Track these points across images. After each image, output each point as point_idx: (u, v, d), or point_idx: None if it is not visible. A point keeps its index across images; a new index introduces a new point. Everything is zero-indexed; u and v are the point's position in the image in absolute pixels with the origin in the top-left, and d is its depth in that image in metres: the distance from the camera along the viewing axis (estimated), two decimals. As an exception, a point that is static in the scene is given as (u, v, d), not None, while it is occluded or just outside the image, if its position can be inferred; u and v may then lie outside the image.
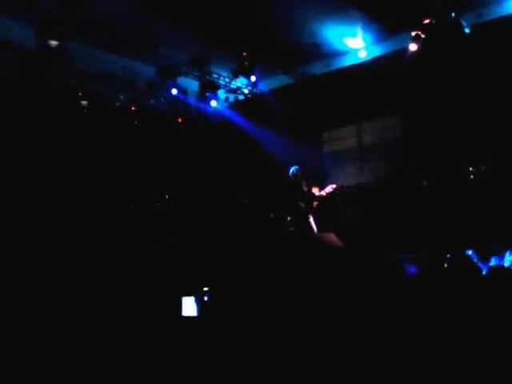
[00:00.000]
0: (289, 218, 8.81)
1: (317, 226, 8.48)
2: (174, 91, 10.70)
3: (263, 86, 11.46)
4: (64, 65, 9.17)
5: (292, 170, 8.37)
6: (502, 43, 9.23)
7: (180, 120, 11.45)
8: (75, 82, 10.02)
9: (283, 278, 5.61)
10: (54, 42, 8.40)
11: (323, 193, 8.37)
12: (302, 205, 8.30)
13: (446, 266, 5.79)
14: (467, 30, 9.53)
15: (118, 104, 11.05)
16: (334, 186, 8.41)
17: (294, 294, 4.86)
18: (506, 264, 6.59)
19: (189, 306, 4.86)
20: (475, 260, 6.44)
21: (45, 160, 9.31)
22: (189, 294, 4.93)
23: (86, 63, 9.74)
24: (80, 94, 10.23)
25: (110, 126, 10.60)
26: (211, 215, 9.79)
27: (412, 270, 6.07)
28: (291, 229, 8.67)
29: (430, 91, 10.14)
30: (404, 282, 5.42)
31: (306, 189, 8.34)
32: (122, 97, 11.07)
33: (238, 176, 11.09)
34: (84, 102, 10.40)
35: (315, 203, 8.47)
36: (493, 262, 6.73)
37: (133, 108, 11.07)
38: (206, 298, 4.90)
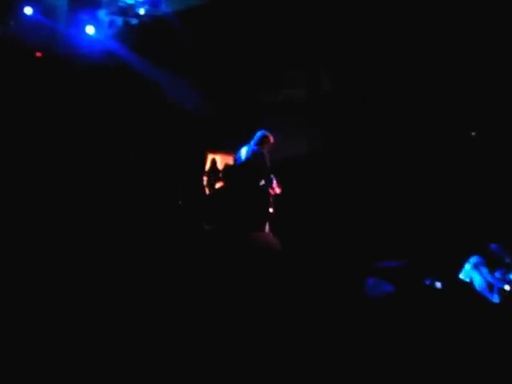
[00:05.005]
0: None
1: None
2: (29, 10, 8.68)
3: (167, 7, 9.55)
4: None
5: (259, 135, 6.79)
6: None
7: (39, 54, 9.28)
8: None
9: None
10: None
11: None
12: (271, 192, 6.85)
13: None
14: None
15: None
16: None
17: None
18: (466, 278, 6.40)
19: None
20: (484, 271, 6.25)
21: None
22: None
23: None
24: None
25: None
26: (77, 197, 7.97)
27: (386, 287, 6.01)
28: (207, 227, 7.30)
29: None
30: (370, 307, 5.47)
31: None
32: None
33: (123, 136, 9.10)
34: None
35: None
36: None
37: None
38: None
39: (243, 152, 6.74)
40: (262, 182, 6.63)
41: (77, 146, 8.78)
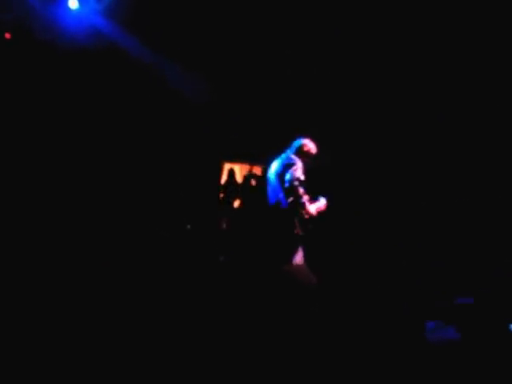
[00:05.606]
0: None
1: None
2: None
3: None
4: None
5: (297, 145, 5.57)
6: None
7: (8, 36, 7.94)
8: None
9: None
10: None
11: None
12: (304, 214, 5.52)
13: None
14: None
15: None
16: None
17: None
18: None
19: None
20: None
21: None
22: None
23: None
24: None
25: None
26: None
27: (450, 332, 5.48)
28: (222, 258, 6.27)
29: None
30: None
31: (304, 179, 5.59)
32: None
33: (114, 137, 7.94)
34: None
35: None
36: None
37: None
38: None
39: (276, 163, 5.50)
40: (290, 199, 5.45)
41: (61, 149, 7.69)
